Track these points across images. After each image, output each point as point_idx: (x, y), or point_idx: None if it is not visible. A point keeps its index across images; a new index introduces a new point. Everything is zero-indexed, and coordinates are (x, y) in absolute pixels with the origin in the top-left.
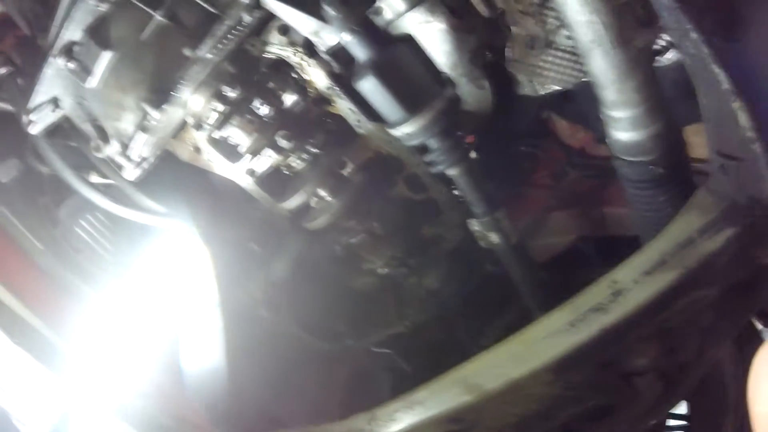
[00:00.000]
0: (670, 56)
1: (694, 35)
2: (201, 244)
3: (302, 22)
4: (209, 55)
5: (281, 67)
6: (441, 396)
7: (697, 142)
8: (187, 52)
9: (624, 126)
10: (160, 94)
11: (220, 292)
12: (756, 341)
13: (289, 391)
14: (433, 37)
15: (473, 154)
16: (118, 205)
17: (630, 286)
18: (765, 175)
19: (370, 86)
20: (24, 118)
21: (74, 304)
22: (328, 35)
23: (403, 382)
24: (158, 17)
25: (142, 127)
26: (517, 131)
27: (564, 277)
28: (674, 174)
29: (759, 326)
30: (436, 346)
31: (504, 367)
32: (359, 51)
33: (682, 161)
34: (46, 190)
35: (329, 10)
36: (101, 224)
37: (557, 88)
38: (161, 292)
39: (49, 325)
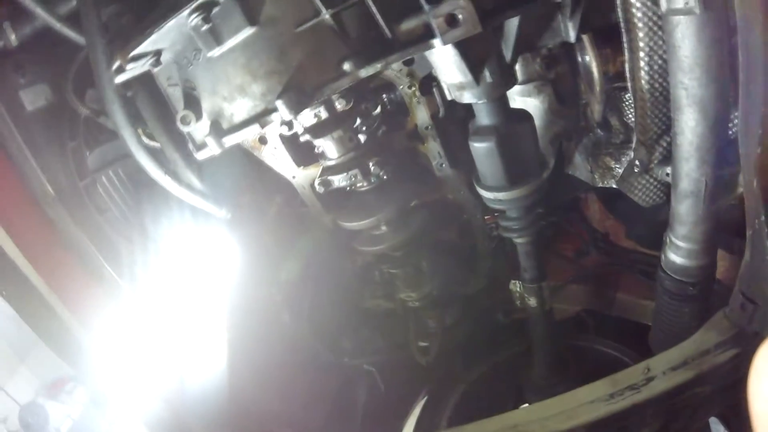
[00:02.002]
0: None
1: (763, 218)
2: (232, 241)
3: (455, 74)
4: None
5: (387, 91)
6: None
7: None
8: (347, 66)
9: (682, 253)
10: (302, 97)
11: (244, 290)
12: None
13: (282, 394)
14: (529, 109)
15: None
16: (170, 179)
17: (660, 375)
18: None
19: (486, 151)
20: (113, 62)
21: (80, 269)
22: (469, 94)
23: (377, 401)
24: (326, 15)
25: (261, 122)
26: (552, 203)
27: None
28: (702, 296)
29: None
30: (419, 373)
31: (551, 420)
32: (486, 116)
33: (710, 287)
34: (78, 134)
35: (486, 75)
36: (123, 186)
37: (614, 186)
38: (180, 280)
39: (50, 285)
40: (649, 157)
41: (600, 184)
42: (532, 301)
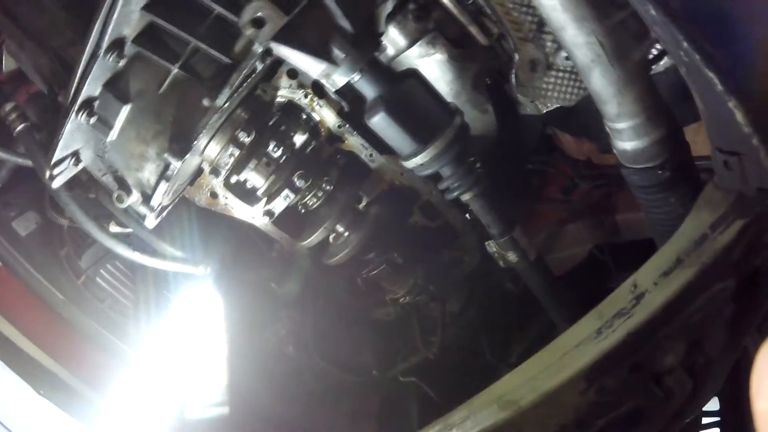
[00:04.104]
0: (665, 62)
1: (685, 44)
2: (214, 291)
3: (312, 66)
4: (227, 104)
5: (292, 109)
6: (478, 416)
7: (699, 140)
8: (206, 102)
9: (628, 136)
10: (182, 143)
11: (239, 335)
12: None
13: (320, 425)
14: (435, 68)
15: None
16: (138, 254)
17: (650, 288)
18: (766, 165)
19: (381, 122)
20: (45, 173)
21: (99, 353)
22: (338, 77)
23: (431, 409)
24: (175, 70)
25: (165, 177)
26: (524, 150)
27: (585, 286)
28: (681, 175)
29: None
30: (460, 369)
31: (537, 380)
32: (369, 89)
33: (687, 162)
34: (66, 242)
35: (339, 53)
36: (122, 273)
37: (558, 105)
38: (179, 340)
39: (75, 374)
40: (542, 50)
41: (544, 110)
42: (512, 256)
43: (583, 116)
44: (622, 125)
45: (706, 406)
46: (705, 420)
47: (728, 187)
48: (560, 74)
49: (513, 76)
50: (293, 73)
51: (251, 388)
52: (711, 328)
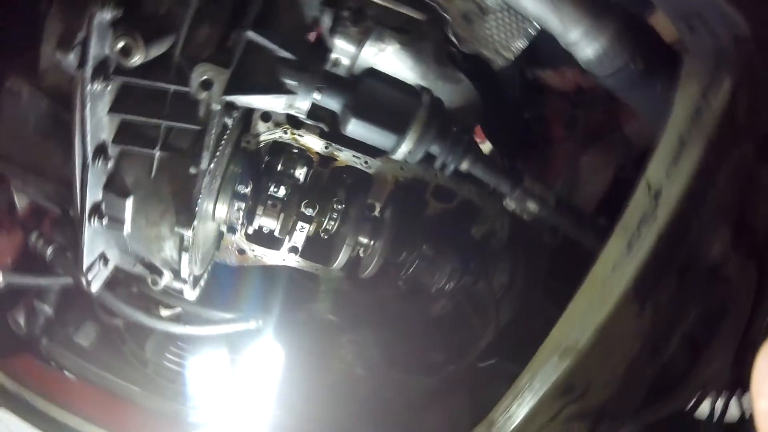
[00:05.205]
0: None
1: None
2: (272, 341)
3: (273, 103)
4: (212, 165)
5: (279, 147)
6: (542, 372)
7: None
8: (192, 170)
9: (585, 44)
10: (186, 213)
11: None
12: None
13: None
14: (394, 59)
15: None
16: (191, 327)
17: (664, 182)
18: (729, 11)
19: (355, 128)
20: (82, 282)
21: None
22: (300, 103)
23: None
24: (158, 153)
25: (184, 249)
26: (514, 102)
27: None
28: (656, 62)
29: None
30: (538, 335)
31: (586, 318)
32: (333, 103)
33: (658, 46)
34: (125, 338)
35: (291, 82)
36: (184, 350)
37: (520, 45)
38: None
39: None
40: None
41: (512, 56)
42: (532, 206)
43: (552, 45)
44: (573, 36)
45: None
46: None
47: (704, 51)
48: (498, 14)
49: (452, 36)
50: (266, 116)
51: (336, 421)
52: (751, 202)
